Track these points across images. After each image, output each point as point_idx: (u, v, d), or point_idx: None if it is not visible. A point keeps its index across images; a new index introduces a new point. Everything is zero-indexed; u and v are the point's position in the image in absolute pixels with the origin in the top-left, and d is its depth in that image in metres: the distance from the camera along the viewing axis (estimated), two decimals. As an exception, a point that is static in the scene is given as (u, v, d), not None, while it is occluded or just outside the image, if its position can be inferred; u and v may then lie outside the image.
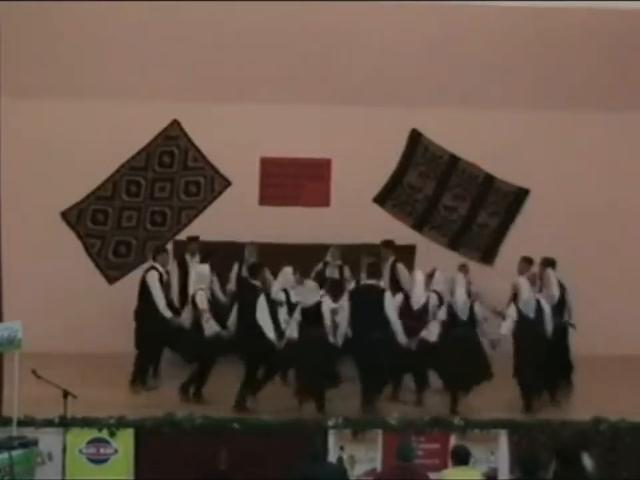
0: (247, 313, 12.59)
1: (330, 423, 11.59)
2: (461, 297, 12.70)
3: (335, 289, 13.72)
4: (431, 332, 12.72)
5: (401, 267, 15.04)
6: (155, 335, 13.44)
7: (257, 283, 12.96)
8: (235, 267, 14.95)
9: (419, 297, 13.12)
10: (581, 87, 15.96)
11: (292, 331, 12.42)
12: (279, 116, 15.97)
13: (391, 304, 12.59)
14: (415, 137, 16.65)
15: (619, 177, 16.45)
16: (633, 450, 11.62)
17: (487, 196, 16.74)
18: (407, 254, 15.85)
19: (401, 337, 12.49)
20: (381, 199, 16.65)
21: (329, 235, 15.13)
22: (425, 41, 15.75)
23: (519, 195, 16.70)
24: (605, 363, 14.73)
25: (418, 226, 16.68)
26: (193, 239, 15.14)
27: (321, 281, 13.94)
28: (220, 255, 14.46)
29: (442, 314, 12.74)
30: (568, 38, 15.79)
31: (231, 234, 15.31)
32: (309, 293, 12.62)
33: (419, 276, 13.41)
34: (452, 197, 16.76)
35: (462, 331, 12.56)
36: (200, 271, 13.28)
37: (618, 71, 15.91)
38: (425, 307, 13.04)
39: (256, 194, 16.44)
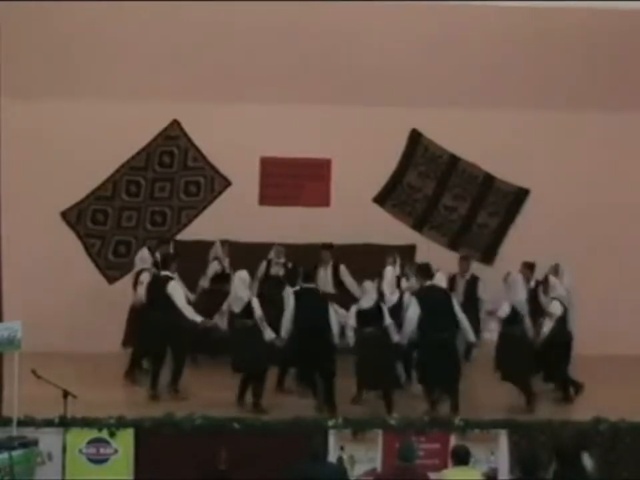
0: (306, 317, 12.50)
1: (330, 423, 11.59)
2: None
3: (276, 286, 13.64)
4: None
5: (343, 268, 15.06)
6: (175, 338, 13.01)
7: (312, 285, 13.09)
8: (263, 266, 14.92)
9: (390, 295, 13.21)
10: (581, 87, 15.96)
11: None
12: (279, 116, 15.97)
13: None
14: (415, 137, 16.65)
15: (619, 177, 16.45)
16: (633, 450, 11.61)
17: (487, 196, 16.74)
18: (407, 254, 15.86)
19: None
20: (381, 199, 16.65)
21: (329, 235, 15.13)
22: (425, 41, 15.75)
23: (519, 195, 16.70)
24: (605, 363, 14.73)
25: (418, 226, 16.69)
26: (225, 242, 15.11)
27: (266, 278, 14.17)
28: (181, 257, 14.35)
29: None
30: (568, 38, 15.80)
31: (231, 234, 15.32)
32: (367, 294, 12.61)
33: (389, 273, 13.41)
34: (452, 197, 16.76)
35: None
36: (243, 277, 13.02)
37: (618, 71, 15.92)
38: (399, 306, 13.01)
39: (256, 194, 16.44)
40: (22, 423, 11.14)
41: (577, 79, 15.96)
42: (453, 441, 11.47)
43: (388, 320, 12.51)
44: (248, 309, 12.56)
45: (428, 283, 12.80)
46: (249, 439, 11.34)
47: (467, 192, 16.74)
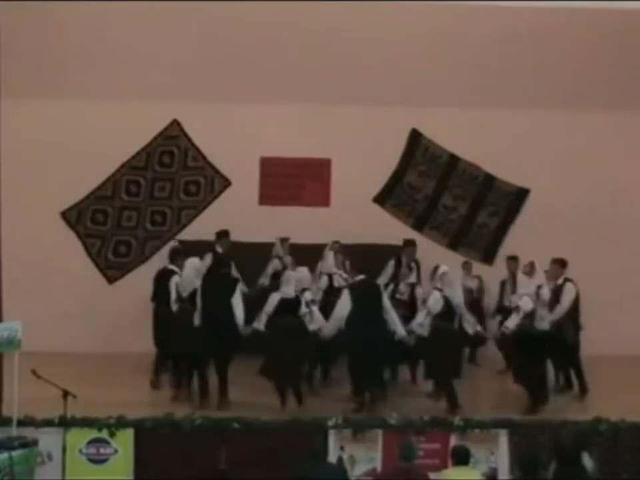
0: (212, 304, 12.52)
1: (330, 423, 11.58)
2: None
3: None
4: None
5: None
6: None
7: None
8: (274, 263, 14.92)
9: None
10: (581, 87, 15.96)
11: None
12: (279, 116, 15.98)
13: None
14: (415, 137, 16.66)
15: (619, 177, 16.46)
16: (633, 450, 11.59)
17: (487, 196, 16.75)
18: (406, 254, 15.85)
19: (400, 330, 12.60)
20: (381, 199, 16.66)
21: (329, 235, 15.12)
22: (425, 41, 15.76)
23: (519, 195, 16.70)
24: (605, 363, 14.72)
25: (418, 226, 16.69)
26: (285, 240, 15.03)
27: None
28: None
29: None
30: (568, 38, 15.81)
31: (231, 234, 15.29)
32: (288, 283, 12.63)
33: (329, 257, 13.62)
34: (452, 197, 16.77)
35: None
36: (194, 263, 12.99)
37: (618, 71, 15.92)
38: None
39: (256, 194, 16.45)
40: (22, 423, 11.13)
41: (578, 79, 15.97)
42: (453, 440, 11.45)
43: (304, 309, 12.50)
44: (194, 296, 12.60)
45: (360, 277, 12.77)
46: (249, 439, 11.32)
47: (467, 192, 16.75)
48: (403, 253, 14.74)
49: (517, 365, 12.69)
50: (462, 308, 12.63)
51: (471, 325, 12.68)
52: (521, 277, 13.09)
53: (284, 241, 15.07)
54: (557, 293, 13.28)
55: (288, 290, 12.60)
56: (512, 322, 12.60)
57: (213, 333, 12.28)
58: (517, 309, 12.62)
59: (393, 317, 12.57)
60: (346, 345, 12.51)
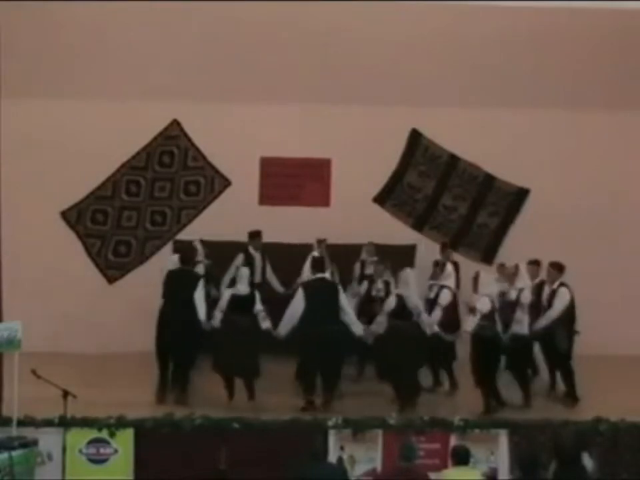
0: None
1: (330, 423, 11.58)
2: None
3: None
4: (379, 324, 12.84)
5: None
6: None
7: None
8: (357, 267, 15.05)
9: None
10: (581, 87, 15.96)
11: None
12: (279, 116, 15.98)
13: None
14: (415, 137, 16.66)
15: (619, 177, 16.46)
16: (633, 450, 11.60)
17: (487, 196, 16.74)
18: (407, 254, 15.87)
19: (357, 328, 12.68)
20: (381, 199, 16.66)
21: (329, 235, 15.11)
22: (425, 41, 15.76)
23: (519, 195, 16.70)
24: (605, 363, 14.73)
25: (418, 226, 16.69)
26: (322, 241, 14.96)
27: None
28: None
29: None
30: (568, 38, 15.80)
31: (231, 234, 15.31)
32: (243, 280, 12.82)
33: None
34: (452, 197, 16.77)
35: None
36: (173, 260, 13.30)
37: (618, 71, 15.91)
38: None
39: (256, 194, 16.45)
40: (22, 423, 11.14)
41: (578, 79, 15.96)
42: (453, 440, 11.46)
43: (258, 306, 12.64)
44: None
45: (318, 275, 12.83)
46: (249, 439, 11.34)
47: (467, 192, 16.75)
48: (363, 249, 14.89)
49: (473, 367, 12.63)
50: (417, 309, 12.63)
51: (428, 326, 12.68)
52: (484, 277, 13.02)
53: (320, 242, 14.99)
54: (551, 297, 13.29)
55: (241, 287, 12.76)
56: (469, 324, 12.56)
57: (172, 328, 12.57)
58: (473, 310, 12.55)
59: (349, 315, 12.65)
60: (299, 343, 12.61)
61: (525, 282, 13.03)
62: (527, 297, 12.81)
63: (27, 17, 15.09)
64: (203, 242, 15.33)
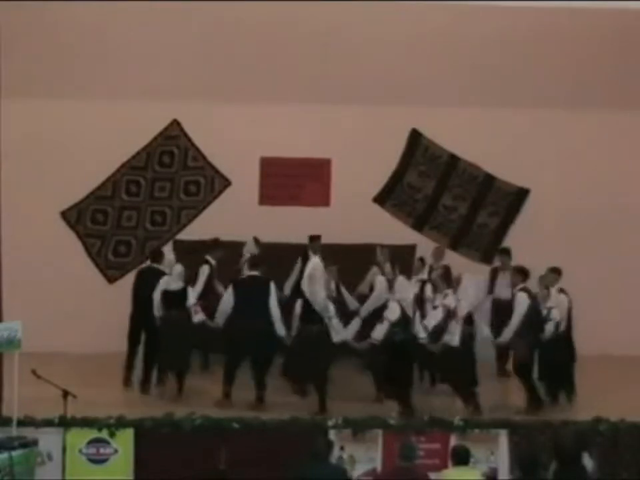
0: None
1: (330, 423, 11.59)
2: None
3: None
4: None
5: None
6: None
7: None
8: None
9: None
10: (581, 87, 15.95)
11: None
12: (279, 116, 15.98)
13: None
14: (415, 137, 16.65)
15: (619, 177, 16.45)
16: (633, 450, 11.60)
17: (487, 196, 16.74)
18: (407, 254, 15.86)
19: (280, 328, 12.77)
20: (381, 199, 16.65)
21: (329, 235, 15.12)
22: (425, 41, 15.75)
23: (519, 195, 16.70)
24: (605, 363, 14.73)
25: (418, 226, 16.68)
26: (385, 248, 14.91)
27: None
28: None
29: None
30: (568, 38, 15.80)
31: (231, 234, 15.31)
32: (177, 276, 13.19)
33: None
34: (452, 197, 16.76)
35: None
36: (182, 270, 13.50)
37: (618, 71, 15.91)
38: None
39: (256, 194, 16.44)
40: (22, 423, 11.14)
41: (578, 79, 15.96)
42: (453, 440, 11.46)
43: (191, 301, 13.03)
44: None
45: (252, 272, 13.00)
46: (248, 439, 11.34)
47: (467, 192, 16.74)
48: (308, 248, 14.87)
49: (385, 377, 12.55)
50: (326, 313, 12.57)
51: (336, 332, 12.57)
52: (401, 280, 12.88)
53: (383, 248, 14.86)
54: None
55: (173, 283, 13.09)
56: (378, 332, 12.40)
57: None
58: (381, 318, 12.44)
59: (274, 315, 12.70)
60: (225, 338, 12.92)
61: (466, 293, 12.78)
62: (463, 308, 12.50)
63: (27, 17, 15.09)
64: (203, 242, 15.36)
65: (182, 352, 13.01)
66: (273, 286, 12.91)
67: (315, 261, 13.22)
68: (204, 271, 13.88)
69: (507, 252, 15.25)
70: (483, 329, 12.78)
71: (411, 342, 12.41)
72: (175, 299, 13.09)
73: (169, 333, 13.00)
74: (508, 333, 12.74)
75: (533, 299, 12.85)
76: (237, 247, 15.18)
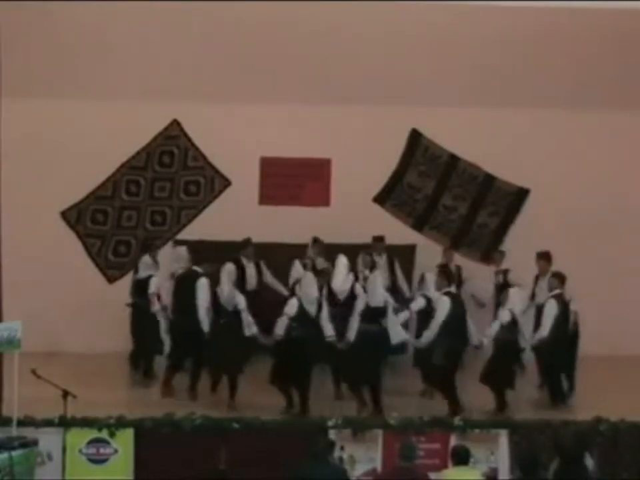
0: None
1: (330, 423, 11.58)
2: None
3: None
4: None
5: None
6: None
7: None
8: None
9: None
10: (581, 87, 15.94)
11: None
12: (279, 116, 15.98)
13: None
14: (415, 137, 16.65)
15: (619, 177, 16.44)
16: (633, 450, 11.61)
17: (487, 196, 16.73)
18: (407, 254, 15.87)
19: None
20: (381, 199, 16.65)
21: (329, 235, 15.12)
22: (425, 41, 15.74)
23: (519, 195, 16.69)
24: (605, 363, 14.72)
25: (418, 226, 16.68)
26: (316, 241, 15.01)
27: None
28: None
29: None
30: (568, 38, 15.78)
31: (231, 234, 15.32)
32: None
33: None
34: (452, 197, 16.76)
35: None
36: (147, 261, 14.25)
37: (618, 71, 15.90)
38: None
39: (256, 194, 16.44)
40: (22, 423, 11.14)
41: (578, 79, 15.95)
42: (453, 440, 11.46)
43: (151, 290, 13.81)
44: None
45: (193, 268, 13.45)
46: (248, 439, 11.34)
47: (467, 192, 16.74)
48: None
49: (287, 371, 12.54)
50: (235, 307, 12.75)
51: (246, 326, 12.68)
52: (308, 277, 12.91)
53: (315, 241, 14.98)
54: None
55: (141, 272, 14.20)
56: (279, 327, 12.48)
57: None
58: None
59: (201, 312, 12.89)
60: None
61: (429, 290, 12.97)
62: (360, 306, 12.61)
63: (27, 17, 15.08)
64: (202, 242, 15.38)
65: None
66: (202, 282, 13.08)
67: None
68: (229, 269, 13.68)
69: (544, 256, 14.46)
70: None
71: (310, 339, 12.39)
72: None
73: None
74: (540, 334, 12.90)
75: (563, 304, 13.05)
76: (237, 247, 15.22)
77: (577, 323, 13.49)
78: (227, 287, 12.79)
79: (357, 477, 11.46)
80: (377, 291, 12.69)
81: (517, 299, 12.88)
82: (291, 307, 12.50)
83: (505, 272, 15.15)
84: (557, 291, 13.24)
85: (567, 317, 13.18)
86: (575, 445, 9.88)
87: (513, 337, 12.67)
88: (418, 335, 12.90)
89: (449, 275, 13.14)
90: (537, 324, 13.24)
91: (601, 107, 15.99)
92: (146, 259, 14.41)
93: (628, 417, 11.79)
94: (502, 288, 14.06)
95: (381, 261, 15.10)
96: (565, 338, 13.10)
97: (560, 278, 13.33)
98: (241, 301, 12.79)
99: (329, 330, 12.56)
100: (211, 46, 15.55)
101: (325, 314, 12.64)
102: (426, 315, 12.88)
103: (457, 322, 12.61)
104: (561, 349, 13.00)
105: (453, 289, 12.95)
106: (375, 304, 12.61)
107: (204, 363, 13.03)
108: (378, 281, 12.91)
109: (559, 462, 9.72)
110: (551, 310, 12.99)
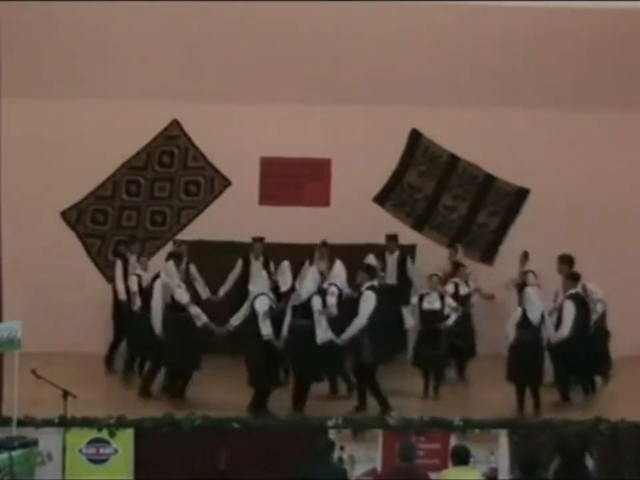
0: None
1: (330, 423, 11.58)
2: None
3: None
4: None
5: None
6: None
7: None
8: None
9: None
10: (581, 87, 15.95)
11: None
12: (279, 116, 15.98)
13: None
14: (415, 137, 16.65)
15: (619, 176, 16.44)
16: (633, 450, 11.59)
17: (487, 196, 16.74)
18: (407, 254, 15.86)
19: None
20: (381, 199, 16.65)
21: (329, 235, 15.11)
22: (425, 41, 15.75)
23: (519, 195, 16.70)
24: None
25: (418, 226, 16.69)
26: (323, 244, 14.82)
27: None
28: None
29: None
30: (568, 38, 15.78)
31: (230, 234, 15.32)
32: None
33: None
34: (452, 197, 16.77)
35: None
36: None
37: (618, 71, 15.90)
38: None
39: (256, 194, 16.45)
40: (22, 423, 11.13)
41: (578, 79, 15.95)
42: (453, 440, 11.46)
43: (133, 289, 14.08)
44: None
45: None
46: (248, 439, 11.33)
47: (467, 192, 16.75)
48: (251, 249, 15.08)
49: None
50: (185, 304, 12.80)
51: (196, 317, 12.68)
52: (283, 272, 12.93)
53: (322, 245, 14.88)
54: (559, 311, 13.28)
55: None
56: (235, 319, 12.56)
57: None
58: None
59: (153, 314, 12.96)
60: None
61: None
62: (318, 302, 12.42)
63: (27, 17, 15.09)
64: (202, 242, 15.38)
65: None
66: (156, 283, 13.12)
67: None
68: (168, 267, 13.51)
69: (566, 259, 14.23)
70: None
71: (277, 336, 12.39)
72: None
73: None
74: (561, 333, 12.90)
75: (582, 304, 13.10)
76: (237, 247, 15.23)
77: (602, 321, 13.43)
78: (174, 286, 12.85)
79: (357, 476, 11.45)
80: (303, 287, 12.60)
81: (534, 298, 12.86)
82: (262, 305, 12.32)
83: (531, 273, 15.09)
84: (572, 291, 13.25)
85: (587, 316, 13.19)
86: (577, 445, 9.87)
87: (532, 336, 12.65)
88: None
89: (372, 271, 12.97)
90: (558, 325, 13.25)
91: (601, 106, 15.99)
92: (132, 259, 14.63)
93: (628, 416, 11.78)
94: (522, 288, 14.01)
95: (392, 259, 15.30)
96: (584, 337, 13.08)
97: (573, 277, 13.38)
98: (183, 297, 12.77)
99: (265, 329, 12.31)
100: (211, 46, 15.56)
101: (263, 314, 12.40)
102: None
103: (382, 318, 12.53)
104: (577, 348, 12.97)
105: (375, 282, 12.77)
106: (301, 300, 12.49)
107: (161, 363, 13.10)
108: (308, 277, 12.82)
109: (559, 462, 9.71)
110: (569, 310, 13.00)
